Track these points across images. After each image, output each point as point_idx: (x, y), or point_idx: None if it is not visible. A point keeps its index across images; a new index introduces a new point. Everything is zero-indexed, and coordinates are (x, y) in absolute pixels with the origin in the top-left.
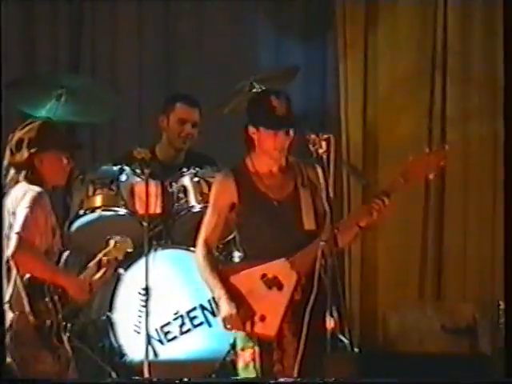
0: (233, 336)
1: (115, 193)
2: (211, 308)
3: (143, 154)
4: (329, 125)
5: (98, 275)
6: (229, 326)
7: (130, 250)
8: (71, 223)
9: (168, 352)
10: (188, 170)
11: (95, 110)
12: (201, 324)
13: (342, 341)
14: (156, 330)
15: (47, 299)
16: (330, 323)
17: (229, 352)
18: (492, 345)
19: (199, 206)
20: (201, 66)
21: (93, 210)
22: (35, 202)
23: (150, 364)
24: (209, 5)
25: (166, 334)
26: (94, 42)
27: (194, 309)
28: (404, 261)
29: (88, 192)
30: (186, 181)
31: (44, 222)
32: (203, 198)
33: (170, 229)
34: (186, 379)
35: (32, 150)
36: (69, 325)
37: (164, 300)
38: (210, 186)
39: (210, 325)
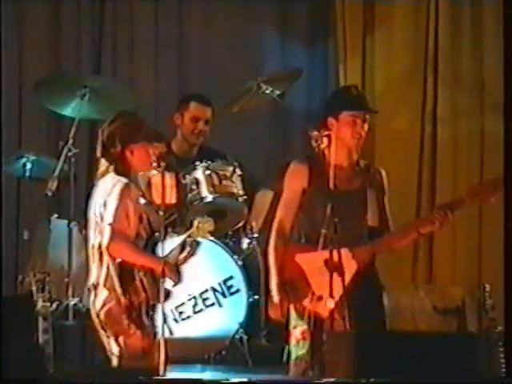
0: (242, 316)
1: (134, 184)
2: (221, 290)
3: (160, 148)
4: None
5: (183, 255)
6: (272, 316)
7: (211, 229)
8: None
9: (182, 330)
10: (200, 163)
11: (115, 107)
12: (212, 305)
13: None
14: (171, 310)
15: (137, 281)
16: (330, 304)
17: (237, 330)
18: (478, 324)
19: (211, 196)
20: (212, 67)
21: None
22: (124, 193)
23: (166, 341)
24: (219, 10)
25: (181, 313)
26: (114, 44)
27: (206, 291)
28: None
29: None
30: (199, 173)
31: (133, 211)
32: (214, 190)
33: (184, 217)
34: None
35: (125, 144)
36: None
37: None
38: (220, 178)
39: (220, 305)
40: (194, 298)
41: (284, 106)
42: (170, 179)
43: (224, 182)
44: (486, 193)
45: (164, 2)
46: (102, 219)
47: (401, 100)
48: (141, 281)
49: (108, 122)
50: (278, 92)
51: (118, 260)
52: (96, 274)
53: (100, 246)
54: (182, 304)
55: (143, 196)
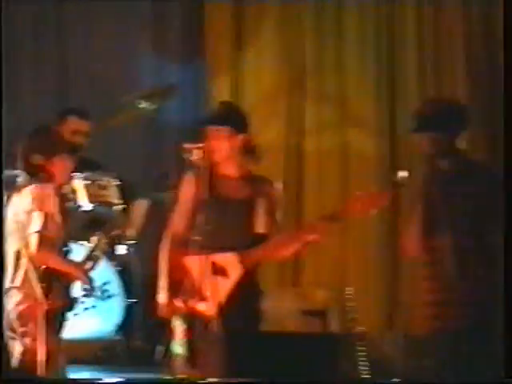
0: (118, 318)
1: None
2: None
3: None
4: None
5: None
6: (161, 314)
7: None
8: None
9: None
10: (79, 174)
11: None
12: (89, 308)
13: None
14: None
15: (55, 287)
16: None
17: (113, 332)
18: (341, 325)
19: (90, 205)
20: (90, 82)
21: None
22: (47, 201)
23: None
24: (97, 29)
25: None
26: None
27: (84, 295)
28: None
29: None
30: (76, 183)
31: (56, 217)
32: (92, 199)
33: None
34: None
35: (45, 156)
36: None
37: None
38: (98, 187)
39: (97, 309)
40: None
41: (159, 120)
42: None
43: (101, 192)
44: (364, 206)
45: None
46: (25, 227)
47: (269, 114)
48: (58, 286)
49: (27, 136)
50: (153, 106)
51: (43, 266)
52: (11, 277)
53: (19, 252)
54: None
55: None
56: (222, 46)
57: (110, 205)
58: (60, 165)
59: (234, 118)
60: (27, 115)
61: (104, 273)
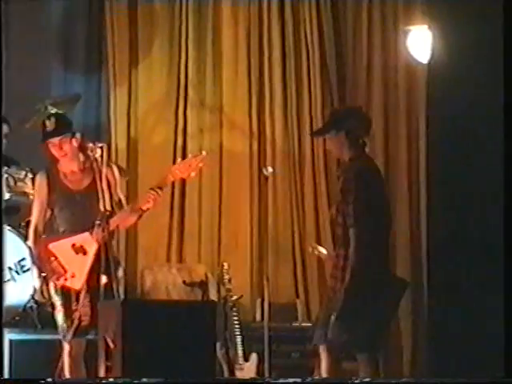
0: (32, 289)
1: None
2: (16, 268)
3: None
4: (102, 136)
5: None
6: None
7: None
8: None
9: None
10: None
11: None
12: (8, 280)
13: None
14: None
15: None
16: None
17: (29, 301)
18: (218, 294)
19: (7, 194)
20: (8, 89)
21: None
22: None
23: None
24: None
25: None
26: None
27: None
28: (155, 233)
29: None
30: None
31: None
32: (10, 189)
33: None
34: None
35: None
36: None
37: None
38: (15, 180)
39: (15, 280)
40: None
41: None
42: None
43: (18, 183)
44: (185, 169)
45: None
46: None
47: (159, 119)
48: None
49: None
50: (61, 112)
51: None
52: None
53: None
54: None
55: None
56: (120, 60)
57: (25, 195)
58: None
59: (68, 124)
60: None
61: (21, 250)
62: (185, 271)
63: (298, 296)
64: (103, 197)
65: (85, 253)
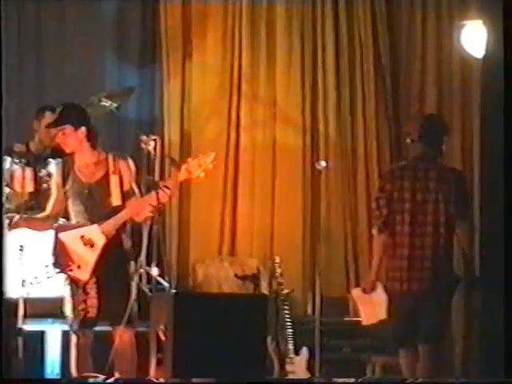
0: None
1: None
2: None
3: (20, 148)
4: (155, 129)
5: None
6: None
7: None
8: None
9: (36, 292)
10: (53, 159)
11: None
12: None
13: (160, 284)
14: (28, 275)
15: None
16: (153, 271)
17: None
18: (269, 288)
19: None
20: (64, 82)
21: None
22: None
23: (24, 300)
24: (71, 40)
25: (35, 278)
26: None
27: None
28: (207, 227)
29: None
30: (51, 168)
31: None
32: None
33: (40, 202)
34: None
35: None
36: None
37: (34, 253)
38: None
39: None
40: (47, 266)
41: (119, 117)
42: (28, 172)
43: None
44: (194, 169)
45: (25, 25)
46: None
47: (212, 112)
48: None
49: None
50: (115, 105)
51: None
52: None
53: None
54: (37, 271)
55: (7, 185)
56: (174, 55)
57: None
58: None
59: (73, 116)
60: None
61: None
62: (237, 264)
63: (349, 290)
64: (115, 191)
65: (92, 245)
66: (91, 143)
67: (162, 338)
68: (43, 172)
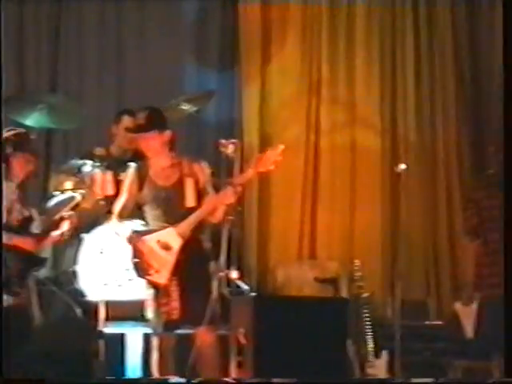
0: None
1: (80, 179)
2: None
3: (101, 151)
4: (235, 133)
5: (57, 233)
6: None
7: (99, 197)
8: (48, 201)
9: (117, 295)
10: (132, 163)
11: (67, 119)
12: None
13: (240, 287)
14: (109, 278)
15: (4, 256)
16: (233, 274)
17: None
18: (349, 291)
19: None
20: (144, 86)
21: (63, 192)
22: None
23: (105, 303)
24: (150, 41)
25: (116, 281)
26: (67, 66)
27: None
28: (287, 230)
29: (60, 179)
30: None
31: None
32: None
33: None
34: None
35: (11, 149)
36: (35, 273)
37: (115, 257)
38: None
39: None
40: (128, 269)
41: (199, 120)
42: (108, 176)
43: None
44: (264, 163)
45: (106, 31)
46: None
47: (291, 116)
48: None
49: (6, 130)
50: (194, 108)
51: None
52: None
53: None
54: (118, 274)
55: (87, 189)
56: (253, 59)
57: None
58: (19, 161)
59: (158, 121)
60: (91, 116)
61: None
62: (317, 268)
63: (429, 293)
64: (189, 192)
65: (169, 248)
66: (170, 147)
67: (242, 341)
68: (123, 175)
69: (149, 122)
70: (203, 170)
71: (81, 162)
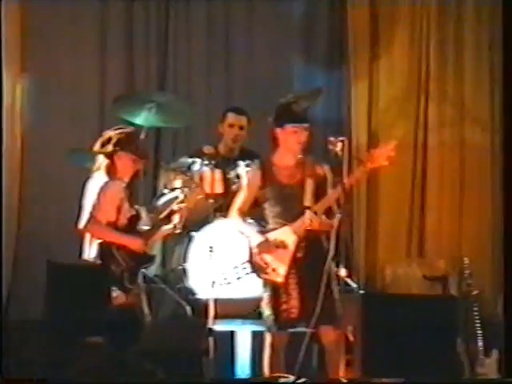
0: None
1: (189, 177)
2: None
3: (210, 150)
4: (343, 130)
5: (168, 227)
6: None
7: (200, 197)
8: (158, 199)
9: (226, 293)
10: (242, 161)
11: (176, 118)
12: (249, 273)
13: (348, 285)
14: (218, 276)
15: (116, 255)
16: (341, 272)
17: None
18: (458, 289)
19: None
20: (252, 85)
21: (173, 190)
22: (103, 190)
23: (214, 301)
24: (260, 41)
25: (225, 279)
26: (175, 63)
27: (246, 261)
28: (395, 228)
29: (170, 177)
30: (240, 170)
31: (110, 204)
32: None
33: (229, 204)
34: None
35: (116, 148)
36: (143, 270)
37: (224, 255)
38: None
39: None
40: (236, 267)
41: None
42: (217, 174)
43: None
44: (377, 159)
45: (214, 29)
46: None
47: (399, 113)
48: (119, 254)
49: (112, 129)
50: (303, 106)
51: (98, 241)
52: (87, 249)
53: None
54: (227, 272)
55: (197, 187)
56: (361, 56)
57: None
58: (124, 161)
59: (308, 117)
60: (200, 114)
61: None
62: (425, 266)
63: None
64: (308, 192)
65: (286, 247)
66: (304, 146)
67: (351, 338)
68: (232, 174)
69: (307, 113)
70: (325, 173)
71: (190, 160)
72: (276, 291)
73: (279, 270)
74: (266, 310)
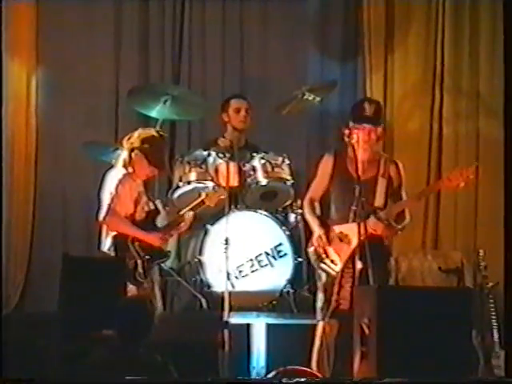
0: (289, 274)
1: (205, 170)
2: (273, 254)
3: (225, 142)
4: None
5: (182, 226)
6: (317, 244)
7: (223, 197)
8: (173, 192)
9: (241, 285)
10: (257, 154)
11: (190, 111)
12: (265, 265)
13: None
14: (233, 269)
15: (131, 248)
16: (358, 264)
17: (285, 285)
18: (474, 281)
19: (265, 180)
20: (266, 78)
21: (188, 183)
22: (122, 183)
23: (229, 293)
24: (273, 35)
25: (240, 272)
26: (190, 57)
27: (261, 254)
28: (411, 219)
29: (185, 170)
30: (255, 162)
31: (129, 196)
32: (268, 175)
33: (244, 196)
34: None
35: (138, 146)
36: (159, 264)
37: (239, 247)
38: (272, 166)
39: (272, 265)
40: (251, 260)
41: (322, 110)
42: (233, 167)
43: (275, 169)
44: (457, 179)
45: (229, 23)
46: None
47: (414, 105)
48: (134, 248)
49: (144, 128)
50: (318, 99)
51: (114, 233)
52: (104, 241)
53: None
54: (242, 265)
55: (212, 180)
56: (376, 49)
57: (282, 180)
58: (141, 164)
59: (381, 117)
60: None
61: (278, 236)
62: (440, 258)
63: None
64: (379, 193)
65: (349, 242)
66: (378, 143)
67: (366, 331)
68: (247, 166)
69: (379, 114)
70: (399, 174)
71: (205, 152)
72: (331, 281)
73: (337, 261)
74: (319, 299)
